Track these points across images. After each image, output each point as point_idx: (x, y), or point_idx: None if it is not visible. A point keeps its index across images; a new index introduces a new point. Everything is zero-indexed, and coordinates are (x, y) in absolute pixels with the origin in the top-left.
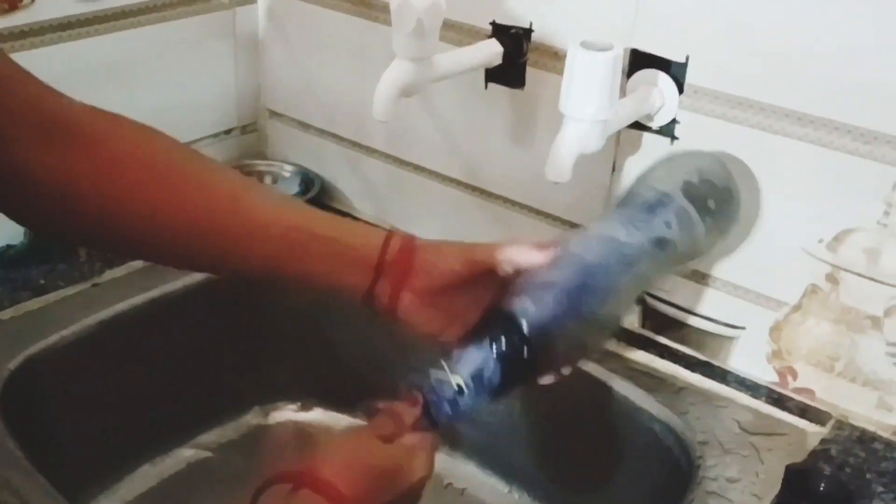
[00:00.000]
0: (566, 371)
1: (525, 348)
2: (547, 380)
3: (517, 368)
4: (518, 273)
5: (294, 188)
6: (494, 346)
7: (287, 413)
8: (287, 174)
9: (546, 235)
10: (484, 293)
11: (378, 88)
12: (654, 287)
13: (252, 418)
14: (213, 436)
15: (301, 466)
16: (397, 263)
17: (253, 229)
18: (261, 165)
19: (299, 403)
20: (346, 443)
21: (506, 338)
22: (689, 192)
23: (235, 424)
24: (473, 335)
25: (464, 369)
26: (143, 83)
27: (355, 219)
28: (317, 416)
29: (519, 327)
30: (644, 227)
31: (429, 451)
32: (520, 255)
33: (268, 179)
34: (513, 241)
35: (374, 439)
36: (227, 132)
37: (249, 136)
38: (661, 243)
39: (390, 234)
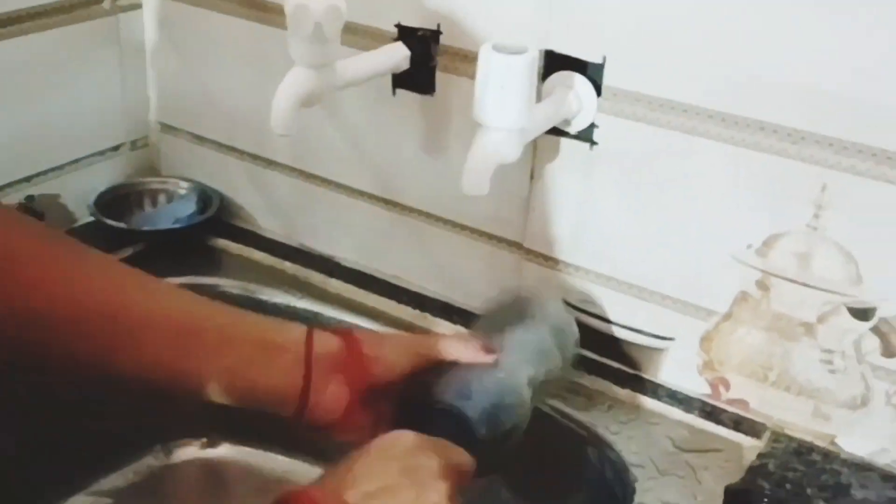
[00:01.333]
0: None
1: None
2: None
3: None
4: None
5: (191, 206)
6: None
7: (192, 451)
8: (183, 191)
9: (464, 251)
10: (393, 392)
11: (276, 99)
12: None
13: (153, 459)
14: (112, 481)
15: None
16: (330, 355)
17: (138, 323)
18: (154, 183)
19: (204, 439)
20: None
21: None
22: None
23: (136, 467)
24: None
25: None
26: (19, 98)
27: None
28: (225, 452)
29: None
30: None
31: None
32: (464, 351)
33: (162, 198)
34: (453, 335)
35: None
36: (115, 148)
37: (140, 151)
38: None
39: (311, 328)
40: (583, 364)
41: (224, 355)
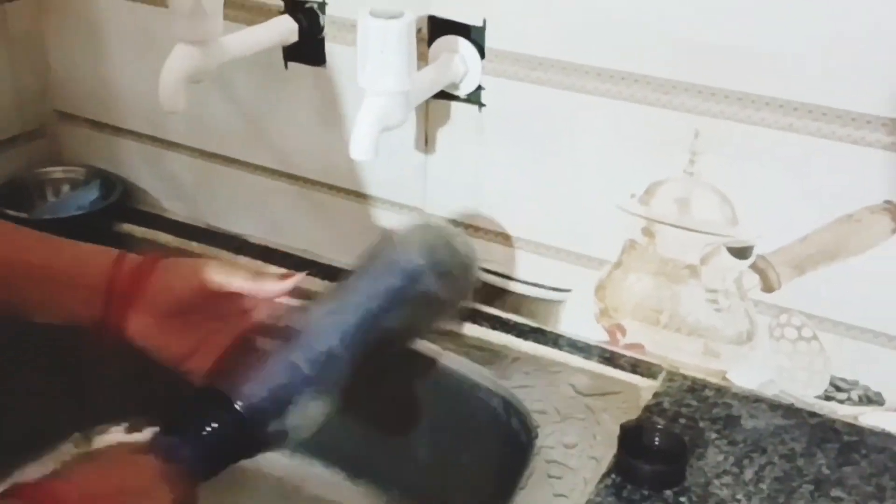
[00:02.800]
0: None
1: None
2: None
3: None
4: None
5: (94, 193)
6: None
7: (114, 436)
8: (84, 179)
9: (368, 220)
10: (232, 321)
11: (161, 77)
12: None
13: (73, 446)
14: (31, 471)
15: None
16: (128, 284)
17: None
18: (55, 172)
19: (126, 424)
20: (93, 461)
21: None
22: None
23: (55, 455)
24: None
25: None
26: None
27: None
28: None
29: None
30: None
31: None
32: (255, 286)
33: (65, 187)
34: (258, 270)
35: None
36: (11, 140)
37: (38, 141)
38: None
39: (122, 254)
40: (486, 320)
41: (33, 290)
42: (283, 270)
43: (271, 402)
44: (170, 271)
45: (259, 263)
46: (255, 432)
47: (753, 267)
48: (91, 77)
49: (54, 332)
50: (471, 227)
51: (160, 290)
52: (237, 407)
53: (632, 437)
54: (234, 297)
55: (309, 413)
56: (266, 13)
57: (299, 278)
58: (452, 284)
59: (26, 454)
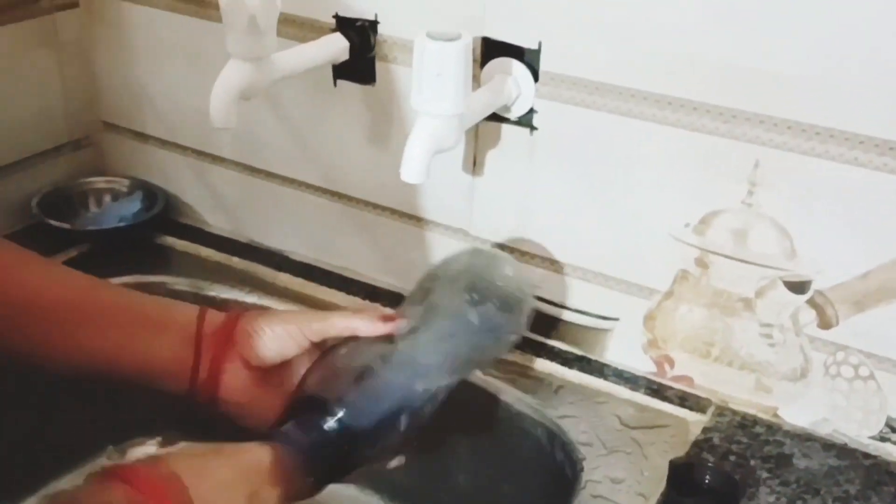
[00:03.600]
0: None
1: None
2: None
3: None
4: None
5: (136, 205)
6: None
7: (147, 450)
8: (128, 190)
9: (412, 240)
10: (301, 366)
11: (213, 93)
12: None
13: (107, 460)
14: (65, 483)
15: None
16: (219, 336)
17: (25, 303)
18: (98, 182)
19: (159, 438)
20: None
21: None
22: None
23: (89, 468)
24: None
25: None
26: None
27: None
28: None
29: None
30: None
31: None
32: (358, 324)
33: (107, 197)
34: (355, 310)
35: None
36: (58, 149)
37: (84, 151)
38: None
39: (204, 308)
40: (531, 347)
41: (110, 332)
42: (378, 308)
43: (378, 423)
44: (261, 321)
45: (357, 302)
46: (355, 449)
47: (811, 302)
48: (138, 89)
49: None
50: (517, 251)
51: (254, 339)
52: (346, 422)
53: (681, 475)
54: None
55: (399, 438)
56: (318, 30)
57: (400, 324)
58: (516, 319)
59: (61, 466)
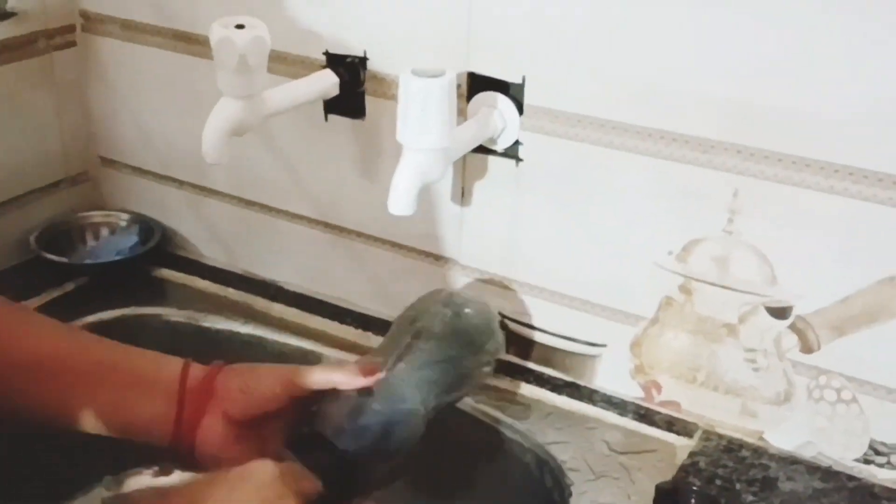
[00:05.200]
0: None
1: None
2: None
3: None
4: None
5: (133, 238)
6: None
7: (144, 479)
8: (124, 224)
9: (403, 270)
10: (286, 421)
11: (205, 130)
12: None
13: (105, 490)
14: None
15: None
16: (200, 391)
17: (24, 363)
18: (96, 217)
19: (156, 468)
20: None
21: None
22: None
23: (86, 499)
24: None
25: None
26: None
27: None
28: (178, 479)
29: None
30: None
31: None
32: (338, 379)
33: (104, 231)
34: (334, 365)
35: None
36: (55, 184)
37: (81, 186)
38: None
39: (188, 361)
40: (520, 373)
41: (98, 393)
42: (361, 361)
43: (371, 447)
44: (242, 376)
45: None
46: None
47: (792, 327)
48: (134, 125)
49: None
50: (504, 279)
51: (234, 394)
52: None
53: (667, 499)
54: (301, 402)
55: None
56: (308, 66)
57: (379, 377)
58: (490, 357)
59: (58, 497)
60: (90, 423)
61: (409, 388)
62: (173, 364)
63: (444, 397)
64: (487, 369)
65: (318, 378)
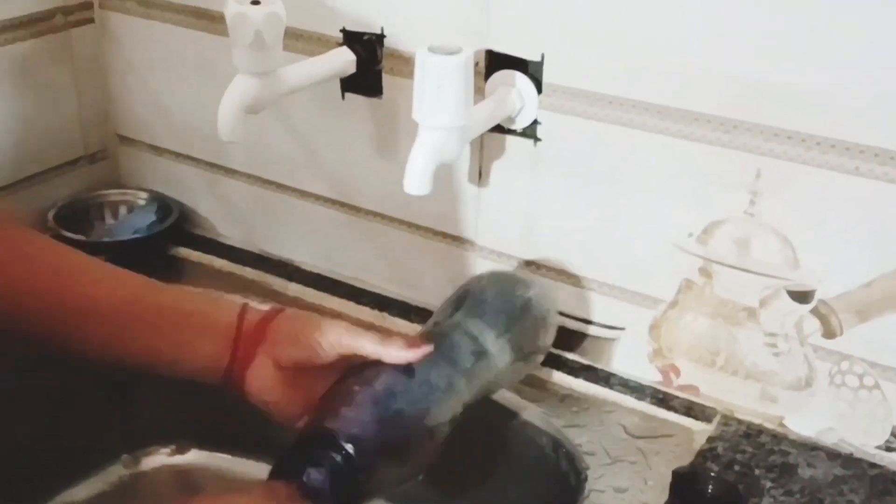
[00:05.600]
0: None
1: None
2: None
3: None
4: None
5: (151, 217)
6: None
7: (160, 458)
8: (142, 202)
9: (420, 250)
10: (336, 370)
11: (220, 107)
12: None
13: (122, 468)
14: (80, 491)
15: None
16: (255, 332)
17: (81, 307)
18: (114, 195)
19: (173, 446)
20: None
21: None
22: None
23: (104, 475)
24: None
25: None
26: None
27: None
28: (194, 458)
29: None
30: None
31: None
32: (389, 354)
33: (122, 209)
34: (383, 336)
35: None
36: (74, 162)
37: (100, 164)
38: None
39: (246, 304)
40: None
41: (156, 336)
42: (408, 335)
43: (384, 447)
44: (295, 323)
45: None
46: (362, 477)
47: (814, 312)
48: (152, 103)
49: None
50: (522, 261)
51: (285, 340)
52: (349, 451)
53: (684, 484)
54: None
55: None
56: (325, 44)
57: (427, 351)
58: (539, 342)
59: (75, 475)
60: (145, 363)
61: (443, 393)
62: (232, 307)
63: (483, 395)
64: (539, 358)
65: (367, 347)
